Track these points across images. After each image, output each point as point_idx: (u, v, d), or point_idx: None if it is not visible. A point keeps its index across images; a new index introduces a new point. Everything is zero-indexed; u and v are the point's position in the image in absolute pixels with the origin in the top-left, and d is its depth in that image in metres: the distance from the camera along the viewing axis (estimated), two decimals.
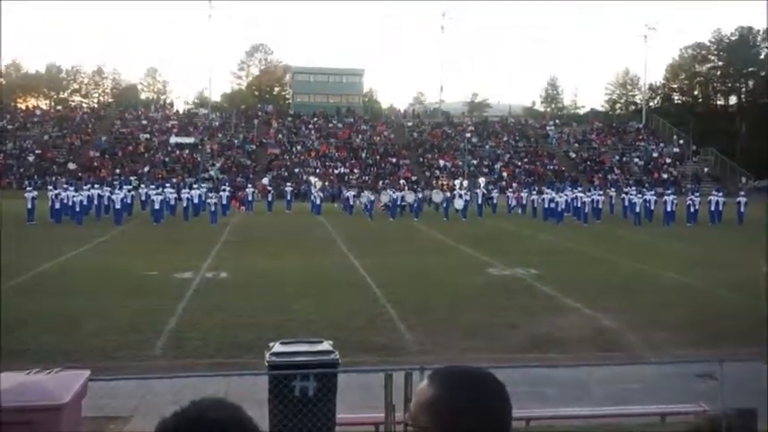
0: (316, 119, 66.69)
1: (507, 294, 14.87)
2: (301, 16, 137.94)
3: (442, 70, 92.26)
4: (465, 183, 42.18)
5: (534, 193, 39.55)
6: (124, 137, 60.91)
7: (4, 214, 29.26)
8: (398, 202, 35.91)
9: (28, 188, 32.50)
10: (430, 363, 7.41)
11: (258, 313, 12.65)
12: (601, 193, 36.87)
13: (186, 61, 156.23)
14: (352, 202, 38.45)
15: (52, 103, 78.59)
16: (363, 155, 60.65)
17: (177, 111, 73.90)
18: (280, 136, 62.96)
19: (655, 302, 13.99)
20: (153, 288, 15.05)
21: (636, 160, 63.12)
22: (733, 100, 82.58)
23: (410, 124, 69.34)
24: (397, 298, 14.04)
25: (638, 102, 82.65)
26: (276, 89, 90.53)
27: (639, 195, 34.67)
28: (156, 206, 31.36)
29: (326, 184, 49.88)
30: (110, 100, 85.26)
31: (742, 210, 32.51)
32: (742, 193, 35.53)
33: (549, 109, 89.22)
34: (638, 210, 33.14)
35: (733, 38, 79.16)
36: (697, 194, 34.92)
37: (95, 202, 33.28)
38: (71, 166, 54.21)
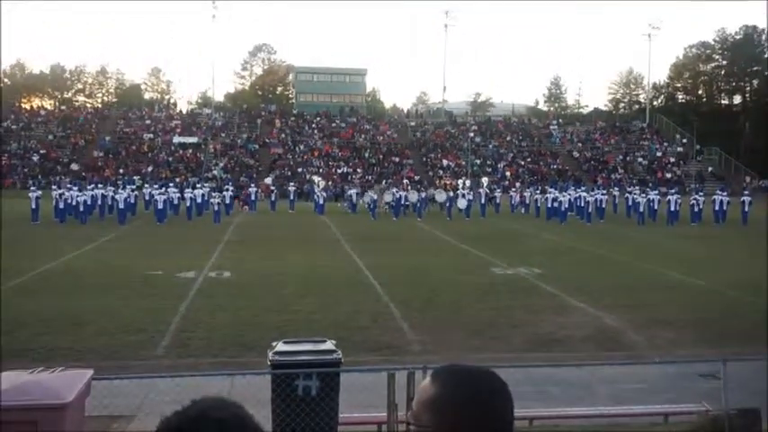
0: (319, 118, 66.72)
1: (510, 294, 14.86)
2: (304, 16, 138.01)
3: (445, 70, 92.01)
4: (468, 182, 42.16)
5: (537, 192, 39.52)
6: (128, 137, 61.03)
7: (9, 214, 29.34)
8: (402, 202, 35.92)
9: (32, 188, 32.59)
10: (433, 362, 7.41)
11: (261, 312, 12.67)
12: (604, 192, 36.84)
13: (190, 61, 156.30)
14: (355, 201, 38.47)
15: (56, 103, 78.80)
16: (366, 154, 60.66)
17: (180, 110, 74.06)
18: (283, 135, 63.01)
19: (658, 302, 13.97)
20: (156, 287, 15.08)
21: (640, 159, 63.02)
22: (737, 99, 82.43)
23: (413, 124, 69.34)
24: (400, 297, 14.04)
25: (642, 101, 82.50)
26: (279, 89, 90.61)
27: (643, 195, 34.62)
28: (160, 206, 31.41)
29: (329, 183, 49.89)
30: (113, 100, 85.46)
31: (746, 209, 32.43)
32: (746, 192, 35.45)
33: (552, 108, 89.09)
34: (641, 209, 33.10)
35: (737, 37, 78.98)
36: (701, 194, 34.88)
37: (99, 201, 33.35)
38: (75, 166, 54.32)
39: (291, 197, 39.61)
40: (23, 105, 72.67)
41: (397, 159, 59.91)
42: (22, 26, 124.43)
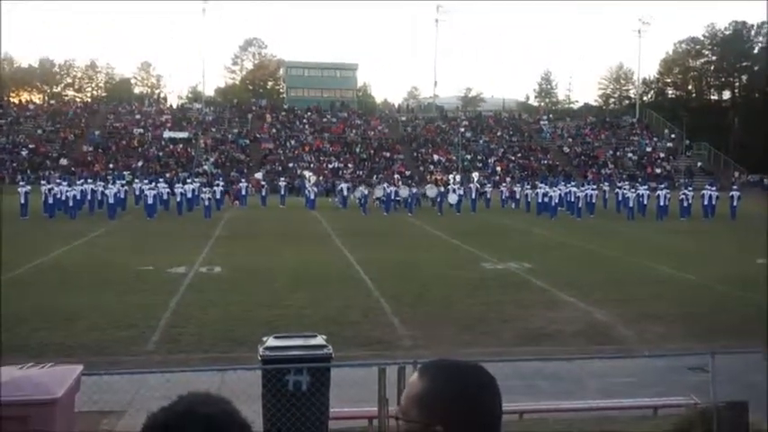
0: (309, 113, 66.57)
1: (501, 288, 14.91)
2: (295, 10, 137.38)
3: (436, 65, 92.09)
4: (459, 177, 42.22)
5: (528, 187, 39.62)
6: (117, 131, 60.69)
7: None
8: (392, 197, 35.93)
9: (21, 183, 32.36)
10: (423, 357, 7.42)
11: (252, 308, 12.66)
12: (594, 187, 36.96)
13: (180, 55, 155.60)
14: (346, 195, 38.45)
15: (45, 98, 78.23)
16: (357, 149, 60.60)
17: (171, 105, 73.67)
18: (273, 130, 62.84)
19: (648, 296, 14.06)
20: (147, 283, 15.04)
21: (629, 155, 63.26)
22: (726, 95, 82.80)
23: (404, 119, 69.31)
24: (391, 292, 14.06)
25: (632, 96, 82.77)
26: (270, 83, 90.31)
27: (633, 190, 34.76)
28: (150, 201, 31.28)
29: (320, 178, 49.83)
30: (103, 94, 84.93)
31: (735, 204, 32.65)
32: (735, 187, 35.67)
33: (542, 103, 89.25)
34: (631, 204, 33.25)
35: (727, 32, 79.31)
36: (690, 189, 35.08)
37: (89, 196, 33.16)
38: (64, 161, 53.99)
39: (282, 192, 39.53)
40: (12, 99, 72.12)
41: (387, 154, 59.89)
42: (10, 19, 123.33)
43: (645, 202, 33.86)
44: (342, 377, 7.08)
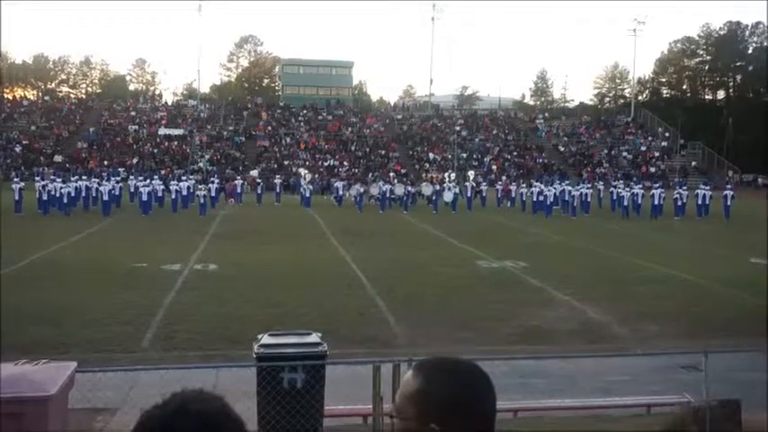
0: (305, 111, 66.52)
1: (496, 287, 14.92)
2: (291, 8, 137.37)
3: (431, 63, 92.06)
4: (454, 176, 42.23)
5: (523, 186, 39.65)
6: (112, 128, 60.52)
7: None
8: (388, 195, 35.92)
9: (15, 179, 32.23)
10: (418, 355, 7.43)
11: (247, 305, 12.64)
12: (589, 186, 37.00)
13: (175, 52, 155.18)
14: (341, 194, 38.42)
15: (39, 94, 77.93)
16: (353, 147, 60.58)
17: (166, 102, 73.53)
18: (269, 128, 62.76)
19: (642, 295, 14.10)
20: (141, 280, 15.00)
21: (624, 154, 63.40)
22: (721, 94, 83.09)
23: (400, 117, 69.31)
24: (386, 290, 14.07)
25: (627, 96, 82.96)
26: (265, 81, 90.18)
27: (627, 189, 34.82)
28: (144, 198, 31.19)
29: (316, 176, 49.80)
30: (98, 91, 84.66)
31: (729, 203, 32.73)
32: (729, 186, 35.76)
33: (538, 102, 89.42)
34: (626, 203, 33.31)
35: (722, 32, 79.56)
36: (684, 188, 35.12)
37: (83, 193, 33.03)
38: (58, 157, 53.81)
39: (278, 190, 39.48)
40: (6, 95, 71.83)
41: (383, 152, 59.89)
42: (4, 15, 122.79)
43: (639, 201, 33.93)
44: (337, 375, 7.08)
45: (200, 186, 35.08)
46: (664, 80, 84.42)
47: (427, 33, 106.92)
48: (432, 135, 64.02)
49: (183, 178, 37.97)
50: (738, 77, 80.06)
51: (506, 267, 17.54)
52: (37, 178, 33.83)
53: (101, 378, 6.57)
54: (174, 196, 34.01)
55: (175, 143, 58.52)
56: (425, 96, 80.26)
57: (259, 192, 39.02)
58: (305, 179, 39.96)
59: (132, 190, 35.54)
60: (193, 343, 10.31)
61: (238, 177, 42.47)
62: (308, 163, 55.30)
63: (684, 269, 17.03)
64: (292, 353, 6.48)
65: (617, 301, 13.40)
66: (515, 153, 62.39)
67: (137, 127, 60.66)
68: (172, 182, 36.36)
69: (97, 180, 34.14)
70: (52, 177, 33.18)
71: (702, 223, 30.53)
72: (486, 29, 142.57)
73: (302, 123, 64.33)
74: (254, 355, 6.47)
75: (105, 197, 31.01)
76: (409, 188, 37.05)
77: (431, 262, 18.04)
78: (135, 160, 54.36)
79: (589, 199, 34.76)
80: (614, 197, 35.16)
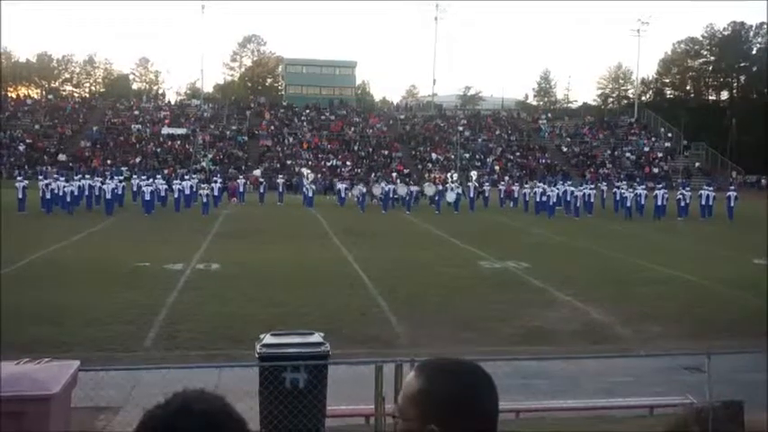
0: (308, 111, 66.53)
1: (498, 287, 14.91)
2: (294, 7, 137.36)
3: (435, 63, 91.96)
4: (457, 176, 42.22)
5: (526, 186, 39.63)
6: (115, 127, 60.61)
7: None
8: (390, 195, 35.92)
9: (18, 177, 32.29)
10: (420, 355, 7.43)
11: (249, 305, 12.65)
12: (592, 186, 36.98)
13: (179, 52, 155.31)
14: (344, 194, 38.43)
15: (43, 93, 78.04)
16: (356, 147, 60.58)
17: (169, 101, 73.61)
18: (272, 128, 62.79)
19: (645, 295, 14.08)
20: (144, 279, 15.01)
21: (627, 154, 63.33)
22: (725, 95, 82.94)
23: (403, 117, 69.29)
24: (389, 290, 14.06)
25: (631, 96, 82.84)
26: (269, 81, 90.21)
27: (631, 189, 34.78)
28: (147, 197, 31.23)
29: (319, 176, 49.82)
30: (101, 90, 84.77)
31: (732, 204, 32.69)
32: (732, 187, 35.71)
33: (541, 103, 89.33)
34: (629, 204, 33.28)
35: (726, 33, 79.41)
36: (688, 189, 35.08)
37: (86, 192, 33.08)
38: (61, 156, 53.88)
39: (280, 189, 39.50)
40: (9, 94, 71.96)
41: (386, 152, 59.88)
42: (8, 14, 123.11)
43: (643, 202, 33.88)
44: (339, 375, 7.08)
45: (202, 186, 35.14)
46: (667, 81, 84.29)
47: (430, 33, 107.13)
48: (435, 135, 63.99)
49: (186, 177, 38.02)
50: (742, 78, 79.91)
51: (509, 268, 17.52)
52: (40, 177, 33.87)
53: (103, 377, 6.57)
54: (176, 195, 34.06)
55: (178, 142, 58.58)
56: (428, 96, 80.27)
57: (262, 191, 39.05)
58: (307, 179, 39.99)
59: (135, 189, 35.59)
60: (196, 342, 10.32)
61: (241, 177, 42.50)
62: (310, 163, 55.31)
63: (687, 270, 17.00)
64: (295, 353, 6.48)
65: (620, 302, 13.38)
66: (518, 153, 62.35)
67: (140, 126, 60.73)
68: (175, 181, 36.43)
69: (100, 179, 34.20)
70: (55, 176, 33.23)
71: (706, 224, 30.48)
72: (490, 29, 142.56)
73: (305, 123, 64.35)
74: (257, 355, 6.47)
75: (108, 196, 31.06)
76: (412, 188, 37.05)
77: (433, 262, 18.03)
78: (138, 159, 54.43)
79: (592, 199, 34.73)
80: (617, 198, 35.11)
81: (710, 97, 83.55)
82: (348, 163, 57.32)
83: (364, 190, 36.84)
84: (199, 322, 11.41)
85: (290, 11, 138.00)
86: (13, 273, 15.23)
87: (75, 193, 31.66)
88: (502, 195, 40.03)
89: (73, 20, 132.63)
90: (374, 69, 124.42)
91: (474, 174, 43.90)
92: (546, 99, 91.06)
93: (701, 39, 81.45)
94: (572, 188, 35.18)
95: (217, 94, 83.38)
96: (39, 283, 14.19)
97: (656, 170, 59.52)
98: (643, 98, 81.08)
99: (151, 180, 33.33)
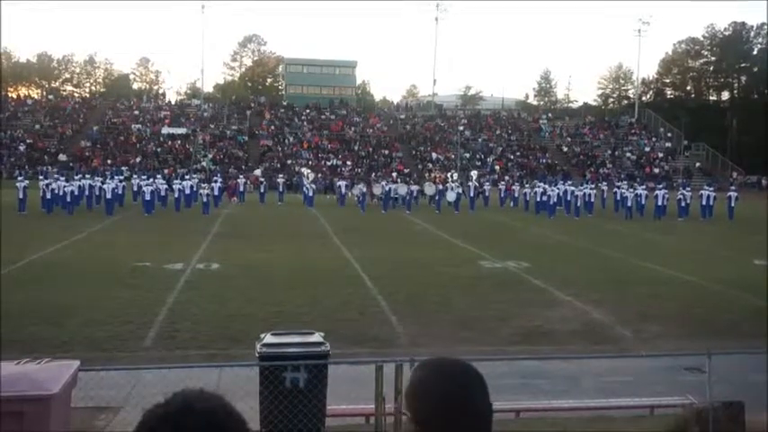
0: (308, 110, 66.53)
1: (498, 287, 14.91)
2: (295, 7, 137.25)
3: (435, 63, 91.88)
4: (457, 175, 42.22)
5: (526, 186, 39.63)
6: (116, 127, 60.61)
7: None
8: (391, 195, 35.92)
9: (19, 178, 32.30)
10: (420, 354, 7.43)
11: (249, 305, 12.65)
12: (593, 186, 36.97)
13: (179, 52, 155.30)
14: (344, 193, 38.43)
15: (43, 93, 78.06)
16: (356, 147, 60.59)
17: (169, 101, 73.59)
18: (272, 127, 62.79)
19: (645, 296, 14.07)
20: (144, 279, 15.02)
21: (628, 154, 63.31)
22: (725, 95, 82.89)
23: (403, 117, 69.28)
24: (388, 290, 14.06)
25: (631, 96, 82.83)
26: (269, 80, 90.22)
27: (631, 189, 34.77)
28: (148, 197, 31.23)
29: (319, 175, 49.81)
30: (101, 90, 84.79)
31: (732, 204, 32.69)
32: (733, 188, 35.71)
33: (541, 103, 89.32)
34: (629, 204, 33.27)
35: (726, 33, 79.37)
36: (688, 189, 35.08)
37: (86, 192, 33.09)
38: (62, 156, 53.88)
39: (280, 189, 39.50)
40: (10, 94, 71.97)
41: (386, 152, 59.88)
42: (8, 14, 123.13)
43: (643, 202, 33.88)
44: (339, 374, 7.08)
45: (203, 185, 35.14)
46: (668, 81, 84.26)
47: (431, 33, 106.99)
48: (435, 135, 63.99)
49: (186, 177, 38.01)
50: (743, 78, 79.88)
51: (509, 268, 17.52)
52: (41, 177, 33.88)
53: (103, 377, 6.58)
54: (176, 195, 34.06)
55: (179, 142, 58.58)
56: (429, 96, 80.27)
57: (262, 191, 39.05)
58: (308, 179, 39.99)
59: (135, 189, 35.56)
60: (196, 342, 10.32)
61: (241, 176, 42.50)
62: (310, 162, 55.31)
63: (688, 270, 17.00)
64: (295, 352, 6.48)
65: (620, 302, 13.38)
66: (518, 153, 62.34)
67: (140, 126, 60.72)
68: (175, 181, 36.42)
69: (101, 179, 34.20)
70: (56, 176, 33.23)
71: (706, 224, 30.47)
72: (490, 28, 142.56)
73: (305, 123, 64.35)
74: (257, 355, 6.47)
75: (109, 196, 31.05)
76: (412, 188, 37.05)
77: (433, 262, 18.04)
78: (138, 159, 54.42)
79: (592, 199, 34.73)
80: (618, 198, 35.12)
81: (711, 97, 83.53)
82: (348, 163, 57.32)
83: (364, 189, 36.84)
84: (199, 322, 11.41)
85: (290, 11, 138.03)
86: (14, 272, 15.24)
87: (76, 193, 31.66)
88: (502, 195, 40.02)
89: (73, 20, 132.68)
90: (374, 69, 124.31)
91: (474, 173, 43.88)
92: (546, 99, 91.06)
93: (701, 39, 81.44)
94: (572, 188, 35.18)
95: (217, 94, 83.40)
96: (39, 283, 14.19)
97: (656, 170, 59.51)
98: (644, 98, 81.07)
99: (151, 180, 33.32)
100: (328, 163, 56.98)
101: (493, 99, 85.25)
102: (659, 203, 32.78)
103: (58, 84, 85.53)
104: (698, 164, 62.29)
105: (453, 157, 58.87)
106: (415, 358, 5.61)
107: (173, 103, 72.45)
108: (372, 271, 16.20)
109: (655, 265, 17.83)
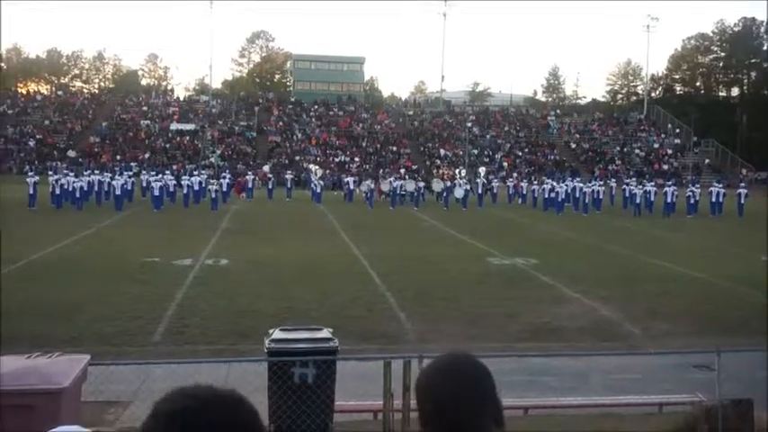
0: (316, 107, 66.53)
1: (506, 284, 14.89)
2: (303, 3, 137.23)
3: (443, 59, 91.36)
4: (465, 172, 42.14)
5: (535, 182, 39.53)
6: (125, 123, 60.79)
7: (5, 199, 29.26)
8: (398, 191, 35.90)
9: (29, 173, 32.47)
10: (428, 351, 7.43)
11: (258, 300, 12.68)
12: (601, 183, 36.84)
13: (187, 48, 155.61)
14: (352, 190, 38.44)
15: (53, 89, 78.37)
16: (364, 143, 60.56)
17: (178, 97, 73.74)
18: (280, 123, 62.83)
19: (654, 293, 14.03)
20: (153, 274, 15.08)
21: (637, 151, 63.03)
22: (735, 91, 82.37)
23: (411, 113, 69.17)
24: (397, 286, 14.07)
25: (640, 92, 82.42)
26: (277, 76, 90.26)
27: (640, 186, 34.64)
28: (156, 193, 31.33)
29: (327, 172, 49.82)
30: (110, 86, 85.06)
31: (742, 201, 32.52)
32: (742, 184, 35.51)
33: (550, 99, 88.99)
34: (638, 200, 33.14)
35: (736, 29, 78.83)
36: (697, 186, 34.91)
37: (96, 188, 33.25)
38: (71, 152, 54.08)
39: (289, 185, 39.55)
40: (20, 90, 72.29)
41: (394, 148, 59.83)
42: (18, 10, 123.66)
43: (652, 199, 33.75)
44: (347, 370, 7.09)
45: (211, 181, 35.20)
46: (677, 77, 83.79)
47: (439, 29, 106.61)
48: (443, 131, 63.88)
49: (195, 173, 38.11)
50: (753, 74, 79.34)
51: (517, 264, 17.49)
52: (50, 173, 34.04)
53: (113, 371, 6.62)
54: (185, 191, 34.15)
55: (187, 138, 58.71)
56: (437, 92, 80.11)
57: (270, 187, 39.10)
58: (316, 175, 40.00)
59: (144, 185, 35.70)
60: (204, 337, 10.36)
61: (249, 173, 42.56)
62: (318, 159, 55.33)
63: (697, 267, 16.93)
64: (303, 348, 6.49)
65: (628, 299, 13.34)
66: (527, 150, 62.16)
67: (149, 122, 60.88)
68: (183, 177, 36.50)
69: (110, 175, 34.35)
70: (65, 172, 33.39)
71: (715, 221, 30.33)
72: (498, 25, 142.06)
73: (313, 119, 64.36)
74: (266, 350, 6.49)
75: (118, 192, 31.17)
76: (420, 184, 37.02)
77: (441, 258, 18.03)
78: (147, 155, 54.59)
79: (601, 196, 34.61)
80: (626, 195, 34.98)
81: (721, 93, 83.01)
82: (356, 159, 57.31)
83: (372, 186, 36.83)
84: (208, 317, 11.45)
85: (298, 7, 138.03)
86: (24, 268, 15.33)
87: (85, 189, 31.81)
88: (510, 192, 39.93)
89: (82, 16, 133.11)
90: (383, 65, 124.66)
91: (482, 170, 43.77)
92: (555, 95, 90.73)
93: (711, 35, 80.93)
94: (580, 185, 35.08)
95: (225, 90, 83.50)
96: (49, 279, 14.28)
97: (665, 167, 59.22)
98: (653, 94, 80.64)
99: (160, 176, 33.43)
100: (336, 159, 56.99)
101: (501, 95, 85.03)
102: (668, 200, 32.63)
103: (67, 80, 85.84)
104: (707, 160, 61.94)
105: (461, 153, 58.76)
106: (424, 355, 5.62)
107: (181, 99, 72.59)
108: (381, 267, 16.21)
109: (663, 262, 17.77)
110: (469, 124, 63.84)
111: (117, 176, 32.71)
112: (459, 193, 35.71)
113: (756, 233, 24.39)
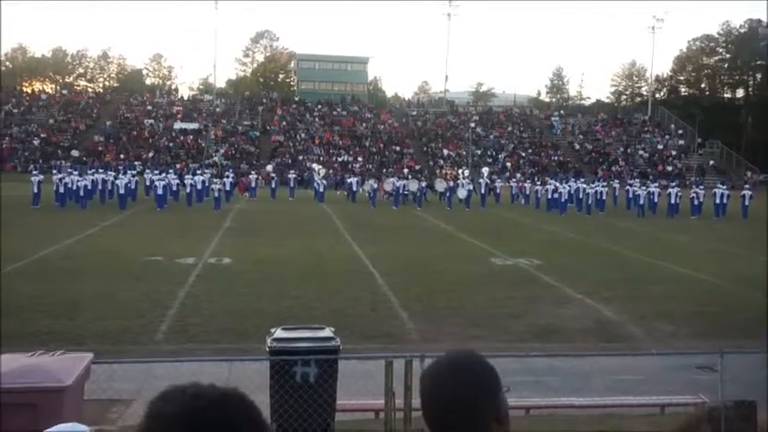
0: (320, 106, 66.56)
1: (509, 284, 14.88)
2: (307, 3, 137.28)
3: (447, 59, 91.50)
4: (468, 172, 42.10)
5: (538, 183, 39.47)
6: (129, 122, 60.90)
7: (9, 198, 29.32)
8: (401, 191, 35.89)
9: (34, 172, 32.53)
10: (431, 351, 7.43)
11: (260, 299, 12.69)
12: (605, 184, 36.78)
13: (191, 47, 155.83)
14: (355, 189, 38.44)
15: (57, 88, 78.52)
16: (367, 143, 60.56)
17: (182, 96, 73.82)
18: (284, 123, 62.87)
19: (657, 294, 14.00)
20: (156, 273, 15.10)
21: (641, 152, 62.91)
22: (740, 93, 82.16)
23: (414, 113, 69.17)
24: (399, 286, 14.07)
25: (645, 93, 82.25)
26: (281, 76, 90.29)
27: (644, 187, 34.57)
28: (160, 192, 31.37)
29: (330, 171, 49.82)
30: (115, 85, 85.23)
31: (746, 203, 32.43)
32: (747, 186, 35.43)
33: (554, 99, 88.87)
34: (641, 202, 33.08)
35: (742, 30, 78.63)
36: (701, 187, 34.84)
37: (99, 186, 33.32)
38: (75, 151, 54.18)
39: (292, 185, 39.57)
40: (24, 89, 72.46)
41: (397, 148, 59.82)
42: (23, 9, 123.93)
43: (656, 200, 33.69)
44: (349, 370, 7.10)
45: (214, 181, 35.25)
46: (682, 78, 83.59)
47: (443, 29, 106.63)
48: (446, 131, 63.85)
49: (198, 172, 38.15)
50: (758, 76, 79.10)
51: (520, 265, 17.48)
52: (54, 171, 34.10)
53: (116, 370, 6.63)
54: (188, 190, 34.19)
55: (191, 137, 58.77)
56: (440, 92, 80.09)
57: (273, 186, 39.13)
58: (319, 174, 40.01)
59: (148, 184, 35.76)
60: (207, 336, 10.37)
61: (253, 172, 42.58)
62: (322, 158, 55.33)
63: (700, 269, 16.90)
64: (305, 347, 6.50)
65: (631, 300, 13.32)
66: (530, 150, 62.10)
67: (153, 121, 60.97)
68: (187, 176, 36.54)
69: (113, 174, 34.41)
70: (69, 170, 33.45)
71: (719, 223, 30.26)
72: (502, 25, 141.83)
73: (317, 119, 64.38)
74: (268, 349, 6.49)
75: (121, 191, 31.21)
76: (423, 184, 36.98)
77: (444, 258, 18.02)
78: (150, 154, 54.67)
79: (604, 197, 34.56)
80: (630, 196, 34.93)
81: (725, 95, 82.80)
82: (359, 159, 57.32)
83: (375, 185, 36.82)
84: (210, 316, 11.47)
85: (302, 7, 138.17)
86: (28, 266, 15.37)
87: (89, 188, 31.87)
88: (513, 192, 39.89)
89: (87, 15, 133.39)
90: (386, 65, 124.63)
91: (485, 170, 43.72)
92: (558, 96, 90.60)
93: (716, 36, 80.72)
94: (584, 185, 35.02)
95: (229, 90, 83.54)
96: (53, 277, 14.30)
97: (669, 168, 59.10)
98: (657, 95, 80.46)
99: (164, 175, 33.48)
100: (339, 159, 57.00)
101: (505, 96, 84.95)
102: (672, 201, 32.57)
103: (71, 79, 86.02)
104: (711, 162, 61.80)
105: (464, 153, 58.72)
106: (426, 354, 5.62)
107: (185, 98, 72.67)
108: (383, 267, 16.21)
109: (667, 264, 17.74)
110: (473, 124, 63.80)
111: (121, 175, 32.76)
112: (462, 193, 35.69)
113: (760, 235, 24.32)
